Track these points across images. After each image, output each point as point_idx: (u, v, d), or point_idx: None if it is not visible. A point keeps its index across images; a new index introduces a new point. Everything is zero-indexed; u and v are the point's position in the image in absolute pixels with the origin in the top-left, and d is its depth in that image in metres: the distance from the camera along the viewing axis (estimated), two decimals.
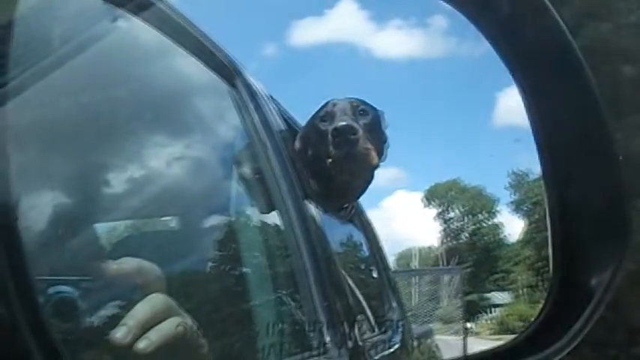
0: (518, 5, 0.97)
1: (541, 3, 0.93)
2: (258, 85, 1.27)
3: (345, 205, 1.39)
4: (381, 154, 1.28)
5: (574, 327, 0.84)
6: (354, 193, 1.36)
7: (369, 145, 1.24)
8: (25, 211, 0.57)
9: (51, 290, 0.58)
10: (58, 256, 0.63)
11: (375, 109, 1.31)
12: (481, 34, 1.02)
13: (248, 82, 1.22)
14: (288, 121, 1.42)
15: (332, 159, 1.23)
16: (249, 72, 1.26)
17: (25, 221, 0.56)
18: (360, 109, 1.29)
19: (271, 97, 1.34)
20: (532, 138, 0.98)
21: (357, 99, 1.30)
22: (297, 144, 1.31)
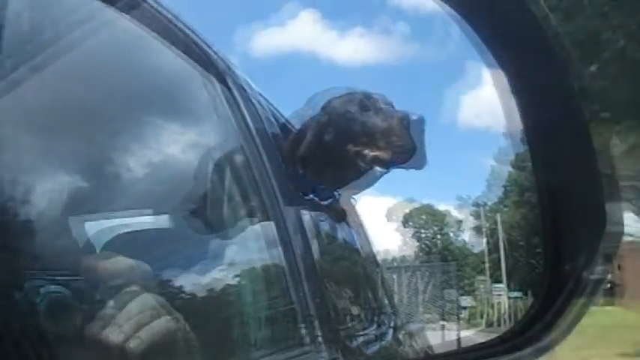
0: None
1: None
2: (246, 79, 1.27)
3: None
4: None
5: (564, 320, 0.85)
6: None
7: None
8: (15, 210, 0.57)
9: (43, 290, 0.58)
10: (49, 255, 0.62)
11: None
12: (467, 27, 1.02)
13: (236, 76, 1.22)
14: (276, 116, 1.41)
15: (391, 152, 1.20)
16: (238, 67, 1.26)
17: (15, 220, 0.56)
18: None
19: (260, 93, 1.33)
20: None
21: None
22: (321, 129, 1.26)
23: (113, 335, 0.62)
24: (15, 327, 0.45)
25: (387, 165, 1.22)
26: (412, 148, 1.19)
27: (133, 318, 0.63)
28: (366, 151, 1.21)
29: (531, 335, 0.88)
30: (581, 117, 0.94)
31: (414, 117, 1.19)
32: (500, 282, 17.85)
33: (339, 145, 1.23)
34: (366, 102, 1.24)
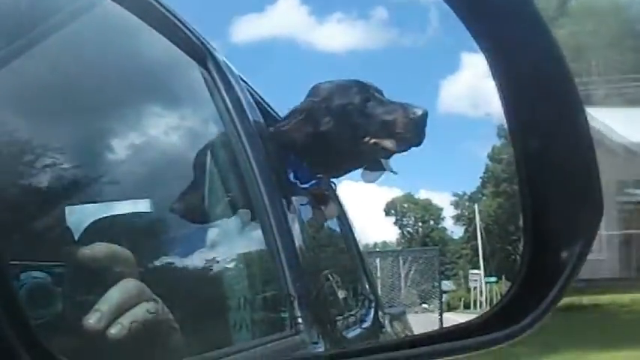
0: None
1: None
2: (228, 65, 1.26)
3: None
4: None
5: (545, 300, 0.85)
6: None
7: None
8: None
9: (24, 276, 0.58)
10: (29, 241, 0.62)
11: None
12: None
13: (219, 62, 1.21)
14: (259, 102, 1.41)
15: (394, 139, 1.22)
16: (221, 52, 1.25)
17: None
18: None
19: (241, 77, 1.33)
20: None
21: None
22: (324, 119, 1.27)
23: (94, 321, 0.61)
24: None
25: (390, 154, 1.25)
26: (416, 141, 1.23)
27: (113, 304, 0.63)
28: (367, 139, 1.24)
29: (507, 318, 0.89)
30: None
31: (420, 111, 1.21)
32: (477, 267, 18.36)
33: (334, 132, 1.24)
34: (363, 89, 1.25)
